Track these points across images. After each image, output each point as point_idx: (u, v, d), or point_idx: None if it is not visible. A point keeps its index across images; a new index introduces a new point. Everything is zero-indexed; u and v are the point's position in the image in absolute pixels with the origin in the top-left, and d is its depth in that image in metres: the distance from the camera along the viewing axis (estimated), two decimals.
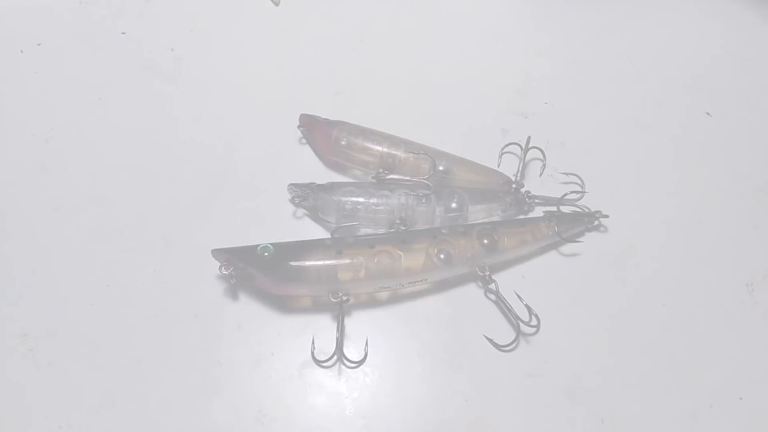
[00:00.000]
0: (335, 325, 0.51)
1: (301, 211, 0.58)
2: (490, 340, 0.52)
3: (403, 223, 0.55)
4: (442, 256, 0.52)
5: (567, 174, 0.62)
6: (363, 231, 0.57)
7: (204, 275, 0.53)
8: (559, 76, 0.71)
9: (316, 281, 0.50)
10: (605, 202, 0.59)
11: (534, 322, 0.52)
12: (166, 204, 0.58)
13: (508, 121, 0.66)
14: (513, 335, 0.51)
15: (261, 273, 0.49)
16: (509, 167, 0.61)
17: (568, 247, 0.58)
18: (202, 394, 0.48)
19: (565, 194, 0.58)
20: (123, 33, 0.71)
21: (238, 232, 0.55)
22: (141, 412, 0.47)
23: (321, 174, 0.61)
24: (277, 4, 0.75)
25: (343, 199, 0.55)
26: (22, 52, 0.68)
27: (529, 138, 0.61)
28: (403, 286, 0.53)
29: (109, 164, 0.60)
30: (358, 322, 0.52)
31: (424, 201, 0.56)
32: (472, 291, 0.55)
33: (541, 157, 0.62)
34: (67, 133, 0.62)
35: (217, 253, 0.50)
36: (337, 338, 0.49)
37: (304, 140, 0.63)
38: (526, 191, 0.59)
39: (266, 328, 0.52)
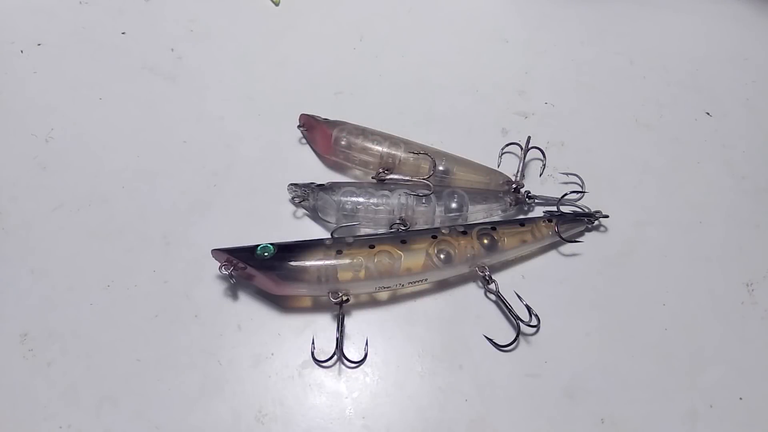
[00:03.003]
0: (335, 325, 0.51)
1: (301, 211, 0.58)
2: (490, 340, 0.52)
3: (403, 223, 0.55)
4: (442, 256, 0.52)
5: (567, 174, 0.62)
6: (363, 231, 0.57)
7: (204, 275, 0.53)
8: (559, 76, 0.71)
9: (316, 281, 0.49)
10: (605, 202, 0.59)
11: (534, 322, 0.52)
12: (166, 204, 0.58)
13: (508, 121, 0.66)
14: (513, 335, 0.51)
15: (261, 273, 0.49)
16: (509, 167, 0.61)
17: (568, 247, 0.58)
18: (202, 394, 0.48)
19: (565, 194, 0.58)
20: (123, 33, 0.71)
21: (238, 232, 0.55)
22: (141, 412, 0.47)
23: (321, 174, 0.61)
24: (277, 4, 0.76)
25: (343, 199, 0.55)
26: (22, 52, 0.69)
27: (529, 138, 0.61)
28: (403, 286, 0.53)
29: (109, 164, 0.60)
30: (358, 322, 0.52)
31: (424, 201, 0.56)
32: (472, 291, 0.55)
33: (541, 157, 0.62)
34: (67, 133, 0.62)
35: (217, 253, 0.50)
36: (337, 338, 0.49)
37: (304, 140, 0.63)
38: (526, 191, 0.59)
39: (266, 328, 0.52)
